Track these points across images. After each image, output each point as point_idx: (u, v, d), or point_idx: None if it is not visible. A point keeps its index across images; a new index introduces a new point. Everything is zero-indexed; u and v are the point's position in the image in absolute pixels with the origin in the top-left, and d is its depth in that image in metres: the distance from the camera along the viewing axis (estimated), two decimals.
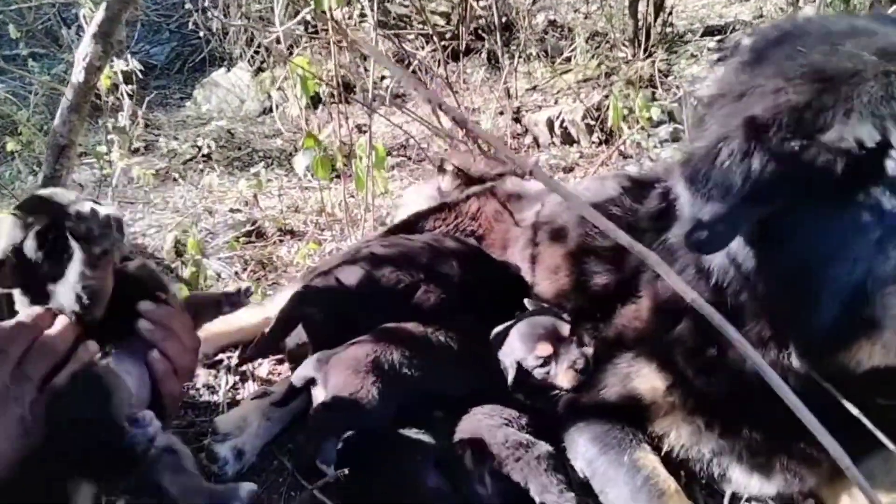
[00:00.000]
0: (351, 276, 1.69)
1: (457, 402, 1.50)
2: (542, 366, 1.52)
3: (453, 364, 1.56)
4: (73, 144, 1.63)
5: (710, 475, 1.36)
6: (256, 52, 4.73)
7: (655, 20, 3.56)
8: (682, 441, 1.32)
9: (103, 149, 2.10)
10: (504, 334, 1.58)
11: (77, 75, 1.54)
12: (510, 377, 1.53)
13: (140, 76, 2.02)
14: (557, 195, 1.88)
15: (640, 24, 3.61)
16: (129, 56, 1.98)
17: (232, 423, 1.64)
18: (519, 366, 1.54)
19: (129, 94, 1.99)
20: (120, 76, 1.87)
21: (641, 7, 3.69)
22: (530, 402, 1.55)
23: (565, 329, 1.55)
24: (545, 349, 1.50)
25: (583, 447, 1.40)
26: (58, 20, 5.07)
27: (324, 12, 2.23)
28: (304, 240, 2.73)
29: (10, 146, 3.45)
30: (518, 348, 1.54)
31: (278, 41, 2.12)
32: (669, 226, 1.24)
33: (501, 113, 3.74)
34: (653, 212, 1.44)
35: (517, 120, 3.70)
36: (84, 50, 1.45)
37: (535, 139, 3.64)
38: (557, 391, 1.53)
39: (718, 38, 3.66)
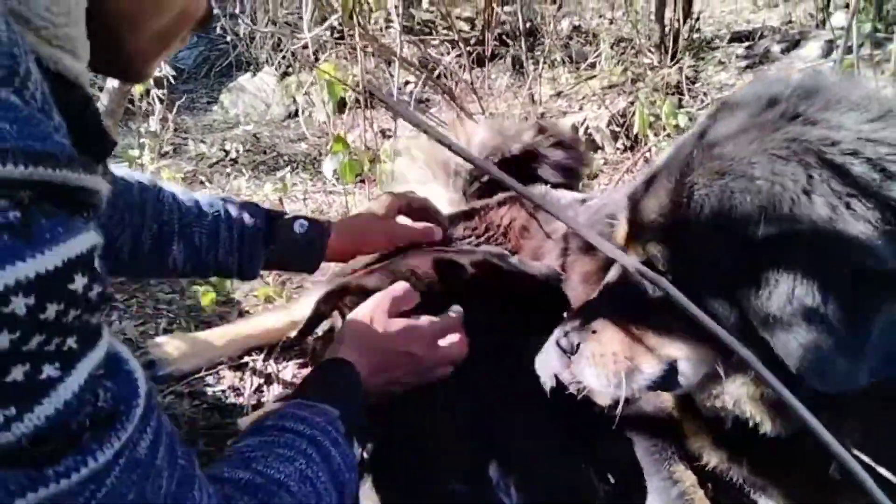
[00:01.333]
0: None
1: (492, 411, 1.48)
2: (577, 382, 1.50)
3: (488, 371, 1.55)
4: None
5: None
6: (282, 58, 4.78)
7: (682, 26, 3.53)
8: (714, 463, 1.30)
9: (135, 153, 2.13)
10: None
11: (112, 81, 1.57)
12: (548, 388, 1.50)
13: (171, 82, 2.06)
14: (594, 201, 1.90)
15: (667, 29, 3.59)
16: (162, 63, 2.00)
17: None
18: (557, 379, 1.51)
19: (160, 99, 2.03)
20: (152, 81, 1.91)
21: (668, 13, 3.66)
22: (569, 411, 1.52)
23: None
24: None
25: None
26: None
27: (351, 18, 2.25)
28: None
29: None
30: (555, 361, 1.52)
31: (305, 47, 2.13)
32: None
33: (526, 118, 3.73)
34: None
35: None
36: None
37: None
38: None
39: (746, 44, 3.61)
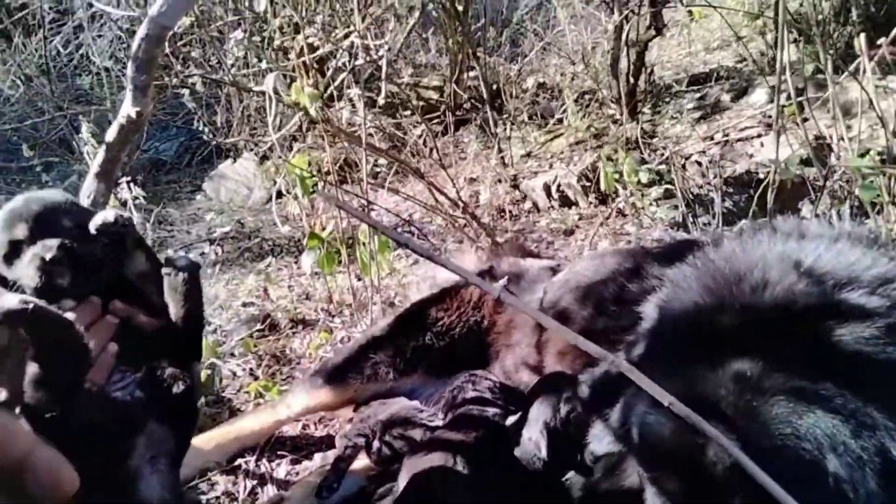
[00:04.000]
0: None
1: None
2: (568, 402, 1.51)
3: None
4: None
5: None
6: (258, 143, 4.92)
7: (637, 79, 3.67)
8: None
9: None
10: (521, 422, 1.58)
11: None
12: (544, 448, 1.51)
13: (143, 201, 2.14)
14: (560, 275, 1.95)
15: (624, 82, 3.73)
16: (131, 185, 2.09)
17: None
18: (547, 427, 1.52)
19: (135, 216, 2.10)
20: (130, 201, 1.98)
21: (623, 65, 3.81)
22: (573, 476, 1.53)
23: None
24: None
25: None
26: (70, 129, 5.32)
27: (313, 118, 2.35)
28: (315, 328, 2.79)
29: None
30: (542, 412, 1.54)
31: (271, 149, 2.22)
32: None
33: (500, 181, 3.84)
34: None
35: (515, 187, 3.80)
36: (88, 189, 1.55)
37: (535, 204, 3.72)
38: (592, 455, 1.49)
39: (698, 95, 3.75)
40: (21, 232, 1.21)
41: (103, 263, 1.26)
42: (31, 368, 1.13)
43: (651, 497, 1.14)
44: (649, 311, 1.23)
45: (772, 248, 1.16)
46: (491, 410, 1.75)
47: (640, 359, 1.15)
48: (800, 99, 2.18)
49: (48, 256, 1.18)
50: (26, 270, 1.20)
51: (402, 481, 1.55)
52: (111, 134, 1.46)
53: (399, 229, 3.39)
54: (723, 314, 1.10)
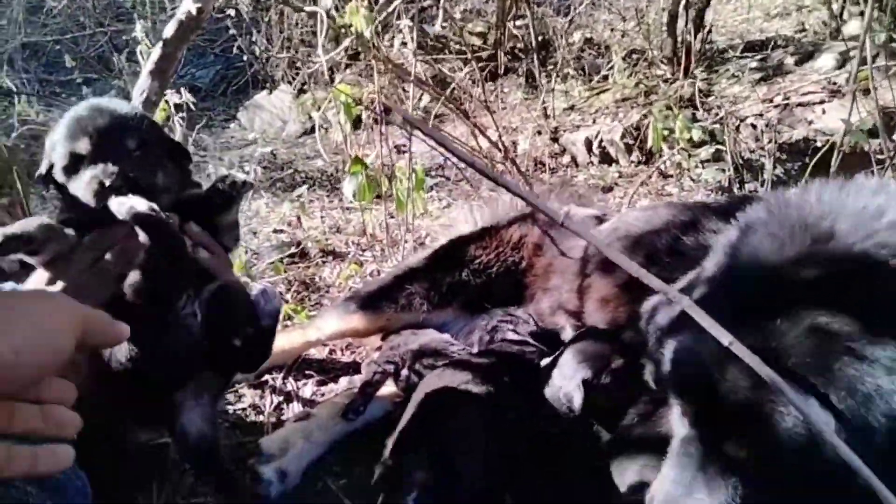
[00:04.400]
0: None
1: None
2: (615, 374, 1.50)
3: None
4: None
5: None
6: (297, 75, 4.85)
7: (694, 38, 3.53)
8: None
9: None
10: (553, 364, 1.57)
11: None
12: (578, 403, 1.50)
13: (192, 107, 2.11)
14: (607, 223, 1.90)
15: (679, 42, 3.59)
16: (182, 89, 2.06)
17: (276, 445, 1.69)
18: (587, 385, 1.51)
19: (180, 124, 2.08)
20: (172, 107, 1.96)
21: (680, 24, 3.67)
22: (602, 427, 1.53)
23: (618, 342, 1.54)
24: None
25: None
26: (110, 47, 5.29)
27: (365, 40, 2.29)
28: (345, 261, 2.78)
29: None
30: (581, 368, 1.53)
31: (322, 70, 2.18)
32: None
33: (539, 132, 3.75)
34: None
35: (555, 140, 3.71)
36: (141, 86, 1.53)
37: (574, 158, 3.64)
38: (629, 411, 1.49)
39: (760, 56, 3.61)
40: (83, 146, 1.19)
41: (164, 189, 1.25)
42: (134, 276, 1.14)
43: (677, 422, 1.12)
44: (716, 252, 1.18)
45: (856, 200, 1.10)
46: (528, 349, 1.73)
47: (703, 299, 1.11)
48: (875, 66, 2.07)
49: (107, 183, 1.15)
50: (84, 190, 1.18)
51: (417, 394, 1.55)
52: (169, 30, 1.43)
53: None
54: (799, 264, 1.05)
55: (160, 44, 1.46)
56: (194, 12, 1.42)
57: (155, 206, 1.12)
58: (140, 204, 1.11)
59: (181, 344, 1.22)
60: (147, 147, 1.22)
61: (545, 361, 1.68)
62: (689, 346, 1.09)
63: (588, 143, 3.57)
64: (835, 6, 3.81)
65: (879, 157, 2.29)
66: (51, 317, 0.72)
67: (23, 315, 0.70)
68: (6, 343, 0.65)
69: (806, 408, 0.94)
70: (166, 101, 1.78)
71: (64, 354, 0.71)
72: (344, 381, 2.04)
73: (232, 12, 3.73)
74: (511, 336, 1.79)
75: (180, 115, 2.20)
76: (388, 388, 1.85)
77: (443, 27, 3.16)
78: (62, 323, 0.72)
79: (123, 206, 1.12)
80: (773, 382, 0.96)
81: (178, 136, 2.24)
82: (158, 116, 1.76)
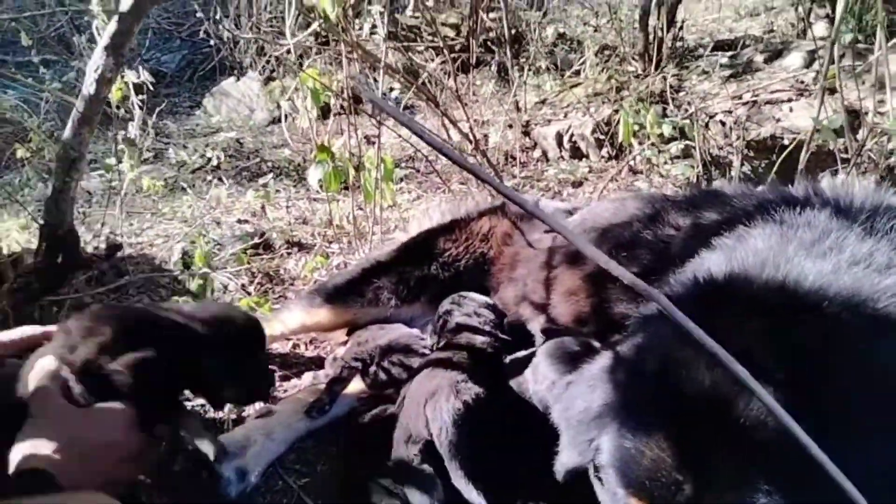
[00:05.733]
0: None
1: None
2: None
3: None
4: (83, 156, 1.62)
5: None
6: (266, 62, 4.74)
7: (666, 35, 3.54)
8: None
9: (112, 161, 2.09)
10: (525, 361, 1.54)
11: (88, 87, 1.53)
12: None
13: (151, 87, 2.02)
14: (576, 215, 1.88)
15: (651, 38, 3.60)
16: (140, 67, 1.97)
17: (236, 443, 1.63)
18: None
19: (139, 106, 1.99)
20: (131, 88, 1.87)
21: (652, 21, 3.67)
22: None
23: (595, 347, 1.51)
24: None
25: None
26: (70, 27, 5.10)
27: (335, 24, 2.23)
28: (311, 252, 2.72)
29: (20, 153, 3.47)
30: (552, 371, 1.49)
31: (288, 52, 2.11)
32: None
33: (510, 126, 3.73)
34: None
35: (526, 133, 3.69)
36: (96, 62, 1.44)
37: (544, 153, 3.63)
38: None
39: (730, 53, 3.64)
40: None
41: None
42: None
43: None
44: (701, 265, 1.16)
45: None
46: (479, 339, 1.69)
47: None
48: (842, 65, 2.09)
49: None
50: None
51: (414, 396, 1.51)
52: (126, 3, 1.35)
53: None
54: (792, 286, 1.03)
55: (115, 18, 1.38)
56: None
57: None
58: None
59: None
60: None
61: (512, 357, 1.66)
62: None
63: (559, 138, 3.56)
64: (801, 9, 3.86)
65: (844, 155, 2.31)
66: None
67: None
68: None
69: (774, 404, 0.93)
70: (124, 81, 1.70)
71: None
72: (308, 377, 1.98)
73: None
74: (459, 319, 1.74)
75: (140, 96, 2.12)
76: (354, 384, 1.81)
77: (415, 17, 3.09)
78: None
79: None
80: (741, 378, 0.95)
81: (136, 120, 2.15)
82: (114, 95, 1.68)
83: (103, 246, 2.44)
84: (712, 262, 1.15)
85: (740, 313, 1.01)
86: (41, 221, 1.81)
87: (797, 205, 1.23)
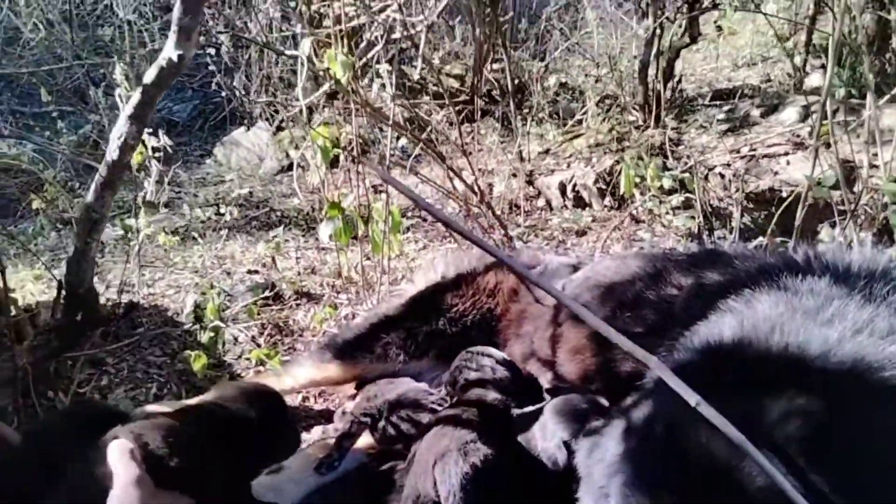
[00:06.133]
0: None
1: None
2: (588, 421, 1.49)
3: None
4: (105, 218, 1.69)
5: None
6: (275, 112, 4.87)
7: (664, 87, 3.65)
8: None
9: (132, 222, 2.16)
10: (533, 417, 1.56)
11: (112, 153, 1.60)
12: (562, 461, 1.48)
13: (170, 150, 2.10)
14: (580, 272, 1.93)
15: (650, 89, 3.70)
16: (160, 132, 2.06)
17: None
18: (567, 446, 1.50)
19: (157, 167, 2.07)
20: (150, 151, 1.95)
21: (651, 72, 3.78)
22: None
23: (602, 404, 1.54)
24: None
25: None
26: (87, 80, 5.26)
27: (343, 86, 2.32)
28: (320, 303, 2.76)
29: (36, 204, 3.56)
30: (561, 429, 1.52)
31: (301, 112, 2.19)
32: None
33: (514, 175, 3.81)
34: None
35: (530, 182, 3.77)
36: (119, 130, 1.52)
37: (548, 202, 3.70)
38: None
39: (727, 107, 3.74)
40: None
41: None
42: None
43: None
44: (710, 330, 1.20)
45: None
46: (491, 395, 1.71)
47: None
48: (836, 120, 2.16)
49: None
50: None
51: (423, 456, 1.53)
52: (149, 76, 1.43)
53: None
54: (800, 355, 1.07)
55: (139, 89, 1.46)
56: (175, 59, 1.42)
57: None
58: None
59: None
60: None
61: (520, 411, 1.68)
62: None
63: (562, 187, 3.63)
64: (797, 59, 3.97)
65: (841, 207, 2.36)
66: None
67: None
68: None
69: (773, 470, 0.96)
70: (143, 144, 1.77)
71: None
72: (317, 431, 2.00)
73: (212, 50, 3.75)
74: (472, 376, 1.76)
75: (157, 155, 2.20)
76: (363, 439, 1.83)
77: (421, 74, 3.20)
78: None
79: None
80: (740, 444, 0.98)
81: (153, 177, 2.23)
82: (134, 160, 1.76)
83: (115, 298, 2.49)
84: (722, 327, 1.19)
85: (750, 381, 1.05)
86: (57, 276, 1.87)
87: (799, 271, 1.27)
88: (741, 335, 1.13)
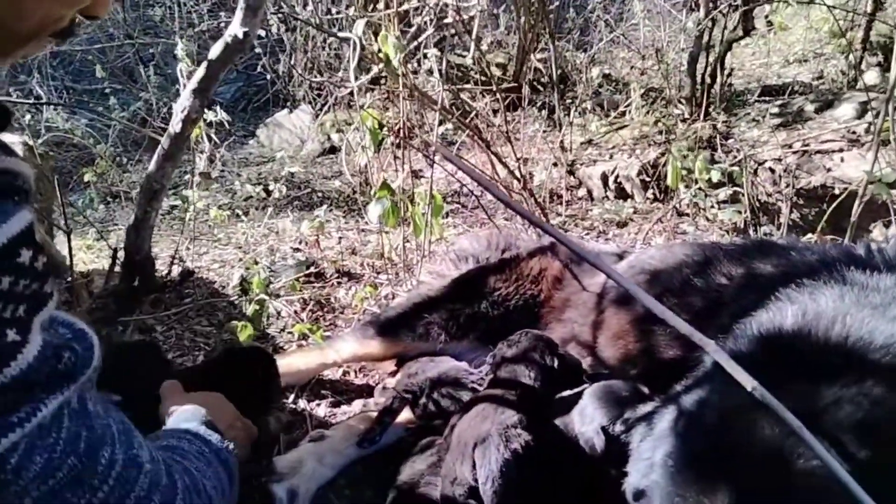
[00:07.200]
0: None
1: None
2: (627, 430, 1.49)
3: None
4: (165, 188, 1.74)
5: None
6: (318, 96, 4.92)
7: (714, 81, 3.59)
8: None
9: (188, 193, 2.22)
10: (572, 400, 1.56)
11: (174, 126, 1.65)
12: (599, 447, 1.48)
13: (225, 124, 2.15)
14: (625, 260, 1.92)
15: (699, 83, 3.64)
16: (218, 107, 2.11)
17: (287, 465, 1.68)
18: (605, 432, 1.50)
19: (214, 142, 2.12)
20: (205, 126, 2.00)
21: (700, 66, 3.72)
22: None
23: (643, 391, 1.53)
24: None
25: None
26: (136, 59, 5.39)
27: (393, 68, 2.34)
28: (360, 282, 2.80)
29: (88, 177, 3.67)
30: (600, 414, 1.52)
31: (351, 94, 2.22)
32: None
33: (556, 165, 3.79)
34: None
35: (571, 173, 3.75)
36: (183, 103, 1.56)
37: (589, 192, 3.68)
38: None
39: (780, 101, 3.65)
40: None
41: None
42: None
43: None
44: (768, 320, 1.19)
45: None
46: (528, 374, 1.70)
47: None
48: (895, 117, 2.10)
49: None
50: None
51: (462, 435, 1.54)
52: (215, 51, 1.46)
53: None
54: (865, 349, 1.06)
55: (205, 64, 1.49)
56: (241, 36, 1.45)
57: None
58: None
59: None
60: None
61: (559, 395, 1.68)
62: None
63: (604, 178, 3.61)
64: (852, 56, 3.86)
65: None
66: None
67: None
68: None
69: (830, 458, 0.95)
70: (204, 121, 1.82)
71: None
72: (358, 404, 2.04)
73: (261, 32, 3.80)
74: (510, 353, 1.76)
75: (212, 130, 2.25)
76: (403, 414, 1.86)
77: (474, 58, 3.20)
78: None
79: None
80: (797, 429, 0.98)
81: (205, 152, 2.28)
82: (194, 134, 1.81)
83: (166, 270, 2.56)
84: (783, 316, 1.18)
85: (811, 369, 1.04)
86: (111, 245, 1.93)
87: (863, 265, 1.25)
88: (803, 324, 1.12)
